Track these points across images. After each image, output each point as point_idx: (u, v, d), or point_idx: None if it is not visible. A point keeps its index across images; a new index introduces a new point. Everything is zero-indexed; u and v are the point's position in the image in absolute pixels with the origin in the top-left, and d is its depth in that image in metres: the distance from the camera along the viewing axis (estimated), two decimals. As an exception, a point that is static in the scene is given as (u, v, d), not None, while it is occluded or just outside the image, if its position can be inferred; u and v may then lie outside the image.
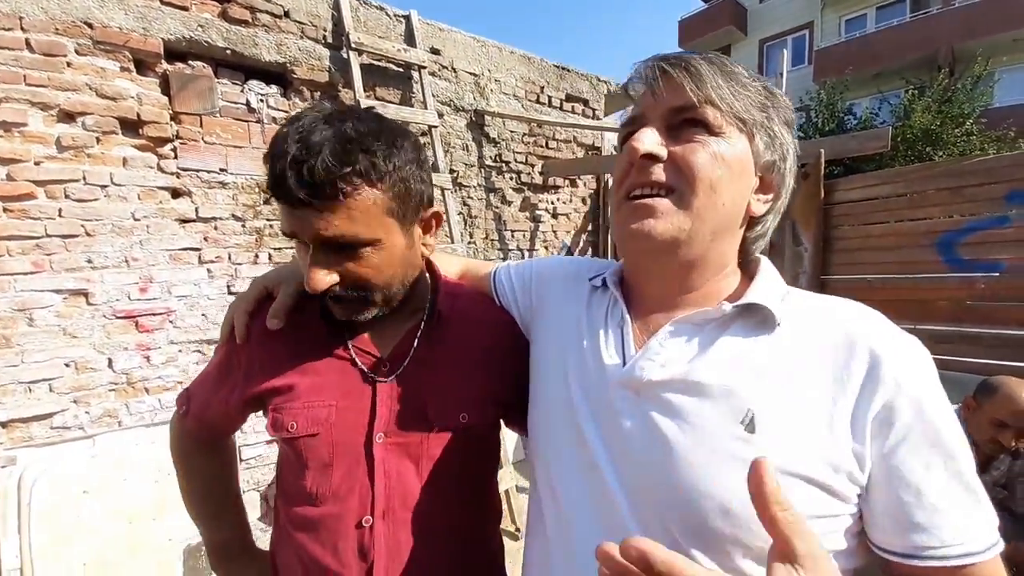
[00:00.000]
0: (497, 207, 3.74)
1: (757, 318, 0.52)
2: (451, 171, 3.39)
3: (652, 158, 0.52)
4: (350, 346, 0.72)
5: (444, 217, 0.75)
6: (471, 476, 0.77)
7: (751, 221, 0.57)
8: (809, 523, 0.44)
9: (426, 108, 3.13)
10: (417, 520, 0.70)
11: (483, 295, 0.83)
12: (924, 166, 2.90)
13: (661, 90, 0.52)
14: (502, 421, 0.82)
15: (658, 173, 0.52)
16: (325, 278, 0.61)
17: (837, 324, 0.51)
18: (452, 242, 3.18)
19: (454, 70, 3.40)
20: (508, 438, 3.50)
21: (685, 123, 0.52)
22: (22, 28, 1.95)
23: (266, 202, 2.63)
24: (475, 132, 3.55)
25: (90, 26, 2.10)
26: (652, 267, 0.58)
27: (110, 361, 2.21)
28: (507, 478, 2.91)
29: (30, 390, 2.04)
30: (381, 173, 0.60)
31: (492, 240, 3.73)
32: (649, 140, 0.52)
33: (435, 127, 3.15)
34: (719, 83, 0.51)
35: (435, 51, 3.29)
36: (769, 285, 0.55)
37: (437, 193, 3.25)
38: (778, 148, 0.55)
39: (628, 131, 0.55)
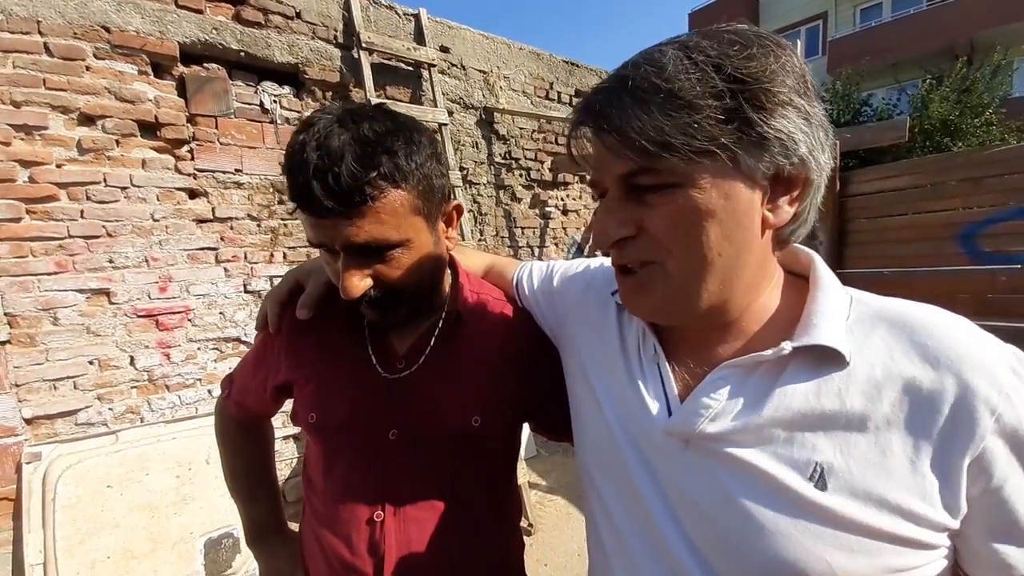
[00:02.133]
0: (507, 204, 3.75)
1: (820, 355, 0.45)
2: (461, 169, 3.40)
3: (624, 238, 0.47)
4: (368, 342, 0.72)
5: (463, 209, 0.75)
6: (485, 476, 0.75)
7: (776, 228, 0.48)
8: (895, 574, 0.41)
9: (436, 106, 3.15)
10: (429, 518, 0.70)
11: (507, 296, 0.81)
12: (943, 156, 2.84)
13: (599, 162, 0.47)
14: (527, 425, 0.81)
15: (634, 252, 0.47)
16: (360, 284, 0.61)
17: (919, 349, 0.43)
18: (463, 240, 3.19)
19: (463, 67, 3.41)
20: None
21: (646, 185, 0.45)
22: (40, 32, 2.00)
23: (280, 202, 2.66)
24: (485, 129, 3.55)
25: (107, 30, 2.14)
26: (666, 324, 0.54)
27: (132, 359, 2.27)
28: (519, 474, 2.92)
29: (55, 387, 2.09)
30: (405, 173, 0.59)
31: (502, 237, 3.73)
32: (613, 226, 0.47)
33: (445, 125, 3.16)
34: (658, 127, 0.41)
35: (444, 49, 3.30)
36: (829, 308, 0.46)
37: (448, 191, 3.26)
38: (776, 144, 0.43)
39: (596, 192, 0.51)
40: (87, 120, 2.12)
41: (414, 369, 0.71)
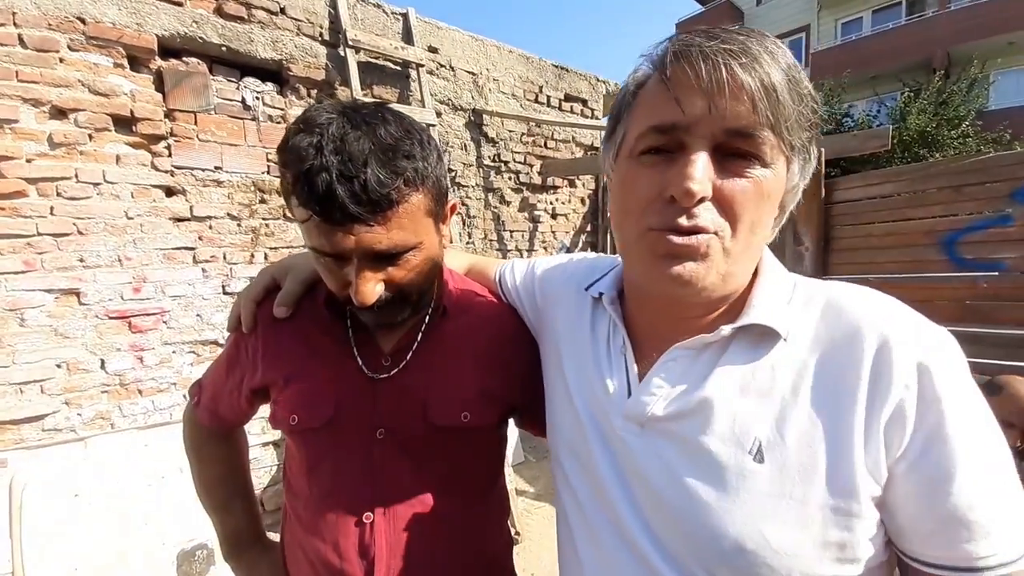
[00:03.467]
0: (496, 207, 3.72)
1: (759, 333, 0.47)
2: (450, 171, 3.36)
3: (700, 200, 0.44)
4: (352, 340, 0.70)
5: (457, 206, 0.73)
6: (474, 473, 0.75)
7: None
8: (829, 550, 0.42)
9: (424, 107, 3.11)
10: (419, 517, 0.69)
11: (489, 292, 0.81)
12: (925, 165, 2.90)
13: (724, 101, 0.41)
14: (512, 421, 0.80)
15: (706, 216, 0.43)
16: (375, 290, 0.59)
17: (845, 323, 0.45)
18: (450, 242, 3.15)
19: (452, 69, 3.38)
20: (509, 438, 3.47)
21: (735, 151, 0.43)
22: (15, 23, 1.92)
23: (262, 201, 2.59)
24: (473, 131, 3.53)
25: (83, 21, 2.07)
26: (677, 307, 0.51)
27: (103, 362, 2.17)
28: (507, 481, 2.88)
29: (21, 391, 2.00)
30: (424, 176, 0.58)
31: (491, 240, 3.70)
32: (704, 180, 0.42)
33: (433, 126, 3.12)
34: (789, 103, 0.42)
35: (433, 49, 3.27)
36: (772, 290, 0.49)
37: (435, 192, 3.22)
38: (808, 170, 0.47)
39: (660, 142, 0.44)
40: (59, 113, 2.04)
41: (401, 366, 0.70)
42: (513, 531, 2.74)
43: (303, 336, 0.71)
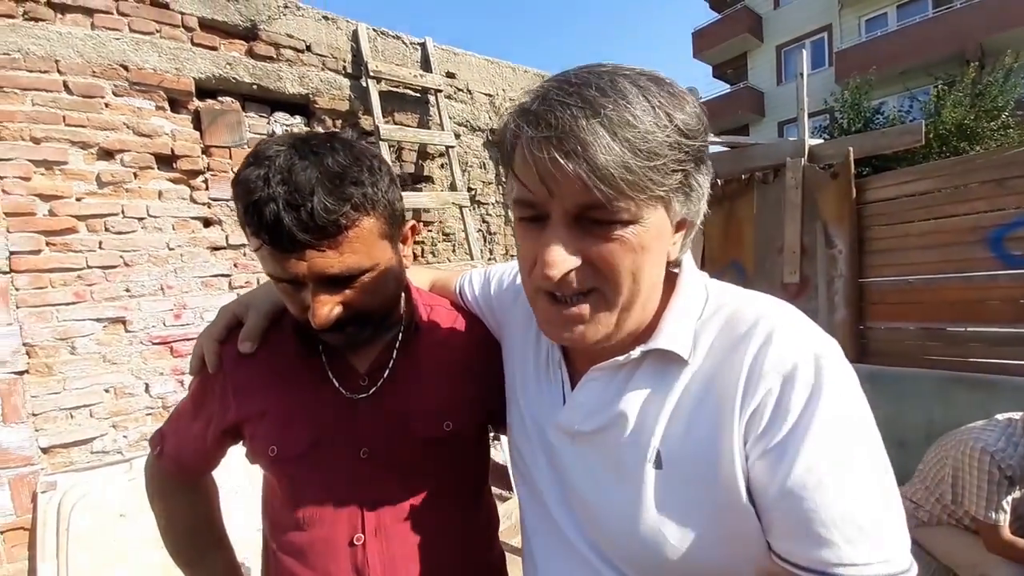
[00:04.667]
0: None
1: (664, 355, 0.51)
2: (469, 189, 3.42)
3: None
4: (326, 364, 0.71)
5: (418, 228, 0.74)
6: (461, 485, 0.76)
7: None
8: (725, 545, 0.46)
9: (443, 129, 3.19)
10: (411, 533, 0.69)
11: (455, 304, 0.83)
12: (964, 159, 2.76)
13: (560, 186, 0.42)
14: (491, 428, 0.80)
15: (581, 279, 0.46)
16: (332, 312, 0.60)
17: (736, 334, 0.48)
18: (472, 259, 3.19)
19: (469, 92, 3.47)
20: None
21: (593, 219, 0.44)
22: (58, 71, 2.09)
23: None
24: (492, 151, 3.59)
25: (126, 68, 2.23)
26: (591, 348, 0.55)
27: (147, 386, 2.28)
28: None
29: (71, 416, 2.11)
30: (373, 201, 0.60)
31: (511, 256, 3.73)
32: (561, 261, 0.44)
33: (452, 147, 3.20)
34: (629, 166, 0.40)
35: (450, 75, 3.37)
36: (681, 312, 0.51)
37: (456, 212, 3.28)
38: (695, 198, 0.48)
39: (528, 214, 0.47)
40: (106, 154, 2.20)
41: (379, 384, 0.70)
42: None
43: (273, 367, 0.71)
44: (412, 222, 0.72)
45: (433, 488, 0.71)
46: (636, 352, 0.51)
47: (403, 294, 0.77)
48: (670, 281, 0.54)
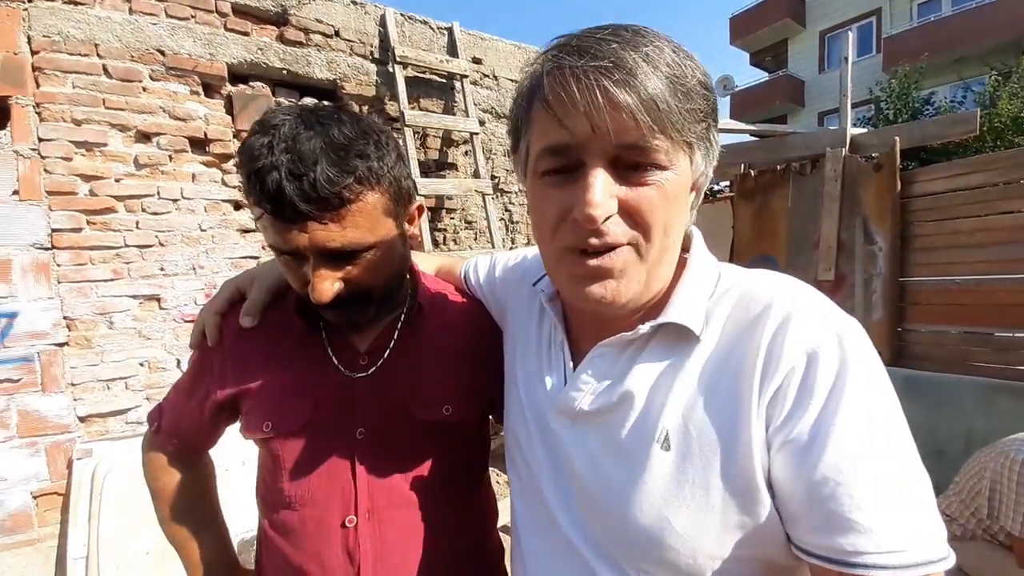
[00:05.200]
0: (540, 212, 3.71)
1: (676, 330, 0.48)
2: (492, 177, 3.40)
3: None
4: (326, 342, 0.70)
5: (424, 208, 0.72)
6: (459, 472, 0.74)
7: None
8: (731, 533, 0.44)
9: (468, 116, 3.17)
10: (404, 518, 0.67)
11: (460, 290, 0.82)
12: (1021, 151, 2.56)
13: (605, 121, 0.40)
14: (491, 417, 0.78)
15: (617, 230, 0.44)
16: (332, 288, 0.59)
17: (752, 311, 0.46)
18: (493, 247, 3.17)
19: (495, 78, 3.43)
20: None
21: (629, 163, 0.43)
22: (98, 55, 2.16)
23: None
24: (517, 138, 3.55)
25: (162, 53, 2.29)
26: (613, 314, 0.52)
27: (178, 361, 2.37)
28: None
29: (108, 387, 2.21)
30: (378, 176, 0.58)
31: (534, 244, 3.69)
32: (604, 202, 0.42)
33: (476, 134, 3.18)
34: (672, 105, 0.41)
35: (476, 60, 3.33)
36: (693, 286, 0.50)
37: (478, 199, 3.27)
38: (713, 155, 0.48)
39: (558, 163, 0.45)
40: (144, 137, 2.27)
41: (379, 365, 0.69)
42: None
43: (273, 343, 0.70)
44: (419, 202, 0.69)
45: (429, 474, 0.69)
46: (645, 327, 0.48)
47: (408, 275, 0.76)
48: (680, 261, 0.52)
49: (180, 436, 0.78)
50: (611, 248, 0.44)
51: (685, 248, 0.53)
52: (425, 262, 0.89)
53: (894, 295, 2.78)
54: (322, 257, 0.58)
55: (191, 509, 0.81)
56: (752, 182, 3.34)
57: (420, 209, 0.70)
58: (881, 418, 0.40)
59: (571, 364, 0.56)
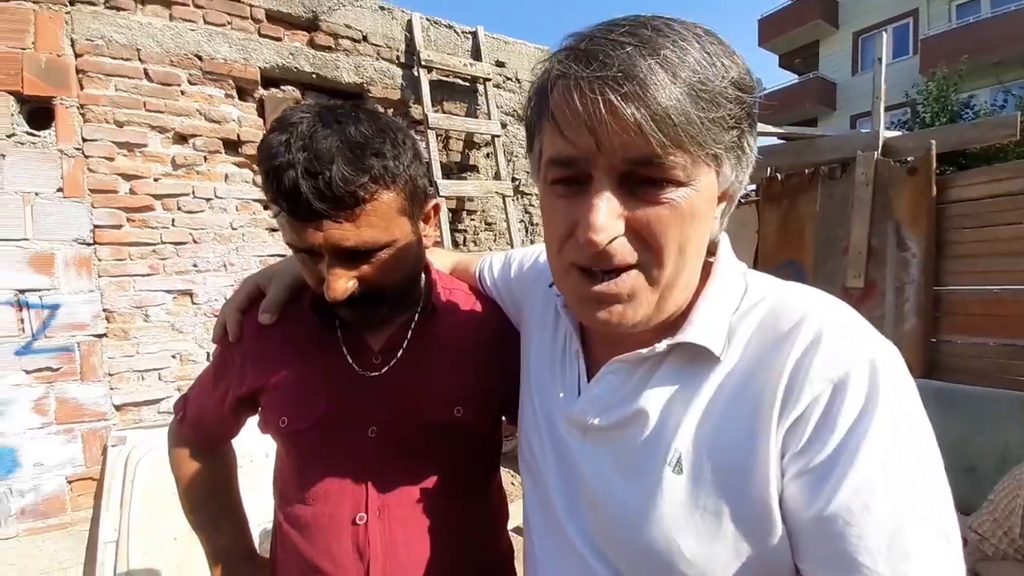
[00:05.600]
0: (561, 215, 3.71)
1: (695, 350, 0.45)
2: (513, 179, 3.42)
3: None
4: (341, 340, 0.70)
5: (441, 207, 0.72)
6: (468, 473, 0.74)
7: None
8: (742, 562, 0.41)
9: (490, 119, 3.20)
10: (414, 517, 0.68)
11: (475, 289, 0.81)
12: (1069, 156, 2.44)
13: (610, 136, 0.37)
14: (506, 419, 0.78)
15: (624, 252, 0.41)
16: (346, 286, 0.59)
17: (779, 331, 0.43)
18: (512, 248, 3.19)
19: (518, 81, 3.46)
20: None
21: (641, 179, 0.40)
22: (140, 59, 2.27)
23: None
24: (539, 141, 3.56)
25: (200, 58, 2.39)
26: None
27: (208, 355, 2.45)
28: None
29: (143, 378, 2.31)
30: (394, 175, 0.58)
31: (555, 248, 3.70)
32: (607, 226, 0.39)
33: (498, 136, 3.20)
34: (692, 117, 0.37)
35: (500, 63, 3.37)
36: (716, 302, 0.46)
37: (499, 201, 3.29)
38: (746, 163, 0.44)
39: (565, 174, 0.42)
40: (181, 139, 2.37)
41: (392, 364, 0.70)
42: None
43: (290, 340, 0.71)
44: (435, 201, 0.69)
45: (439, 474, 0.70)
46: (662, 345, 0.46)
47: (423, 274, 0.76)
48: (704, 269, 0.48)
49: (203, 427, 0.80)
50: (617, 271, 0.42)
51: (711, 252, 0.49)
52: (441, 259, 0.88)
53: (928, 304, 2.68)
54: (337, 256, 0.58)
55: (212, 497, 0.83)
56: (779, 186, 3.26)
57: (436, 208, 0.70)
58: (904, 455, 0.37)
59: (585, 375, 0.54)
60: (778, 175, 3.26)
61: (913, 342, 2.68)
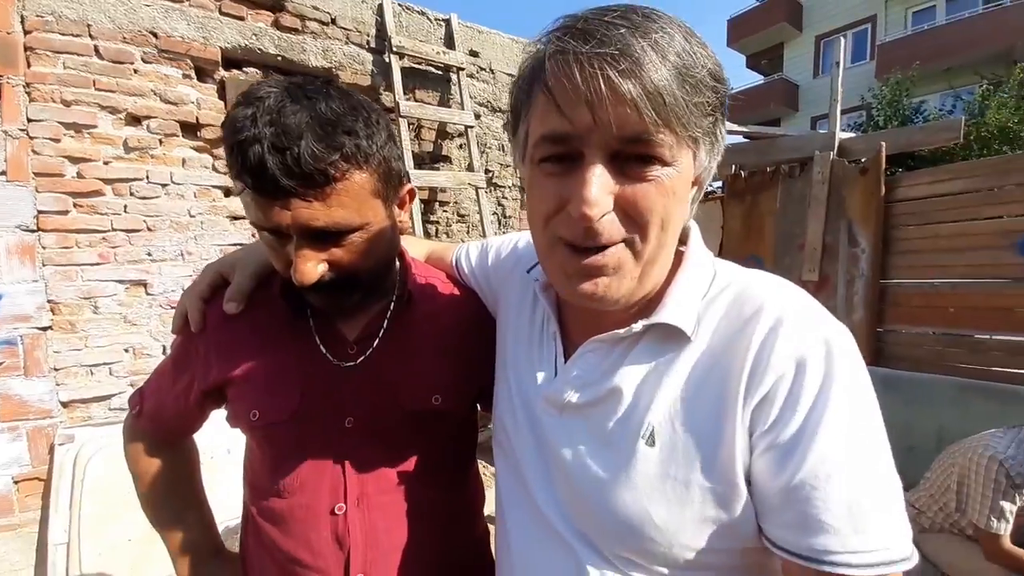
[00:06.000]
0: (533, 208, 3.73)
1: (668, 330, 0.48)
2: (486, 171, 3.41)
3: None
4: (314, 330, 0.68)
5: (416, 193, 0.71)
6: (446, 460, 0.74)
7: None
8: (707, 527, 0.45)
9: (463, 109, 3.17)
10: (393, 505, 0.67)
11: (451, 277, 0.81)
12: (1002, 159, 2.64)
13: (608, 112, 0.39)
14: (479, 405, 0.78)
15: (612, 228, 0.43)
16: (315, 269, 0.57)
17: (744, 314, 0.46)
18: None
19: (492, 71, 3.43)
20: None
21: (630, 157, 0.42)
22: (90, 35, 2.13)
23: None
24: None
25: (155, 35, 2.26)
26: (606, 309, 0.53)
27: (164, 348, 2.35)
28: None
29: (91, 373, 2.20)
30: (367, 155, 0.56)
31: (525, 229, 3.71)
32: (601, 200, 0.41)
33: (471, 127, 3.18)
34: (679, 98, 0.39)
35: (474, 53, 3.33)
36: (688, 286, 0.50)
37: (472, 193, 3.27)
38: (716, 150, 0.46)
39: (556, 151, 0.43)
40: (133, 120, 2.24)
41: (368, 353, 0.68)
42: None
43: (259, 330, 0.68)
44: (409, 185, 0.67)
45: (418, 462, 0.69)
46: (638, 326, 0.48)
47: (397, 262, 0.74)
48: (676, 256, 0.51)
49: (162, 421, 0.77)
50: (605, 246, 0.44)
51: (682, 241, 0.52)
52: (416, 247, 0.87)
53: (875, 296, 2.84)
54: (305, 237, 0.56)
55: (174, 492, 0.80)
56: (743, 183, 3.38)
57: (411, 193, 0.68)
58: (859, 428, 0.42)
59: (563, 356, 0.56)
60: (742, 172, 3.37)
61: (861, 332, 2.84)
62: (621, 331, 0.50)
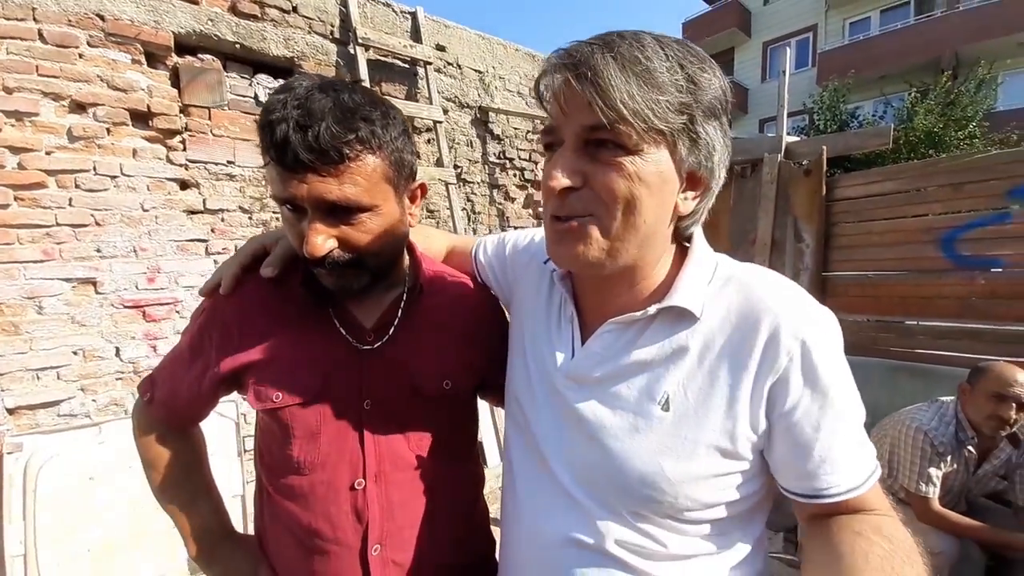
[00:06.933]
0: (500, 203, 3.76)
1: (679, 312, 0.57)
2: (455, 167, 3.41)
3: (569, 189, 0.52)
4: (334, 317, 0.73)
5: (428, 189, 0.76)
6: (456, 440, 0.80)
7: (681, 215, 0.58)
8: (710, 480, 0.55)
9: (431, 103, 3.16)
10: (408, 481, 0.73)
11: (461, 272, 0.87)
12: (926, 163, 2.91)
13: (569, 107, 0.50)
14: (479, 394, 0.85)
15: (577, 204, 0.52)
16: (325, 243, 0.62)
17: (749, 303, 0.55)
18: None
19: (459, 67, 3.43)
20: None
21: (600, 141, 0.50)
22: (35, 19, 1.98)
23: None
24: (479, 128, 3.57)
25: (102, 18, 2.13)
26: (584, 276, 0.64)
27: (117, 350, 2.24)
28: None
29: (38, 377, 2.06)
30: (380, 141, 0.62)
31: (497, 232, 3.75)
32: (563, 174, 0.51)
33: (440, 123, 3.17)
34: (632, 94, 0.47)
35: (440, 48, 3.32)
36: (694, 275, 0.58)
37: (441, 188, 3.27)
38: (703, 147, 0.53)
39: (548, 140, 0.55)
40: (79, 108, 2.11)
41: (385, 340, 0.73)
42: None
43: (281, 318, 0.72)
44: (422, 182, 0.73)
45: (430, 441, 0.75)
46: (652, 309, 0.57)
47: (408, 256, 0.80)
48: (684, 251, 0.61)
49: (175, 407, 0.78)
50: (571, 217, 0.53)
51: (688, 240, 0.62)
52: (438, 240, 0.93)
53: (817, 288, 3.08)
54: (319, 211, 0.61)
55: (186, 479, 0.82)
56: (699, 181, 3.55)
57: (423, 189, 0.73)
58: (849, 394, 0.54)
59: (580, 338, 0.64)
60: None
61: (807, 322, 3.07)
62: (636, 313, 0.58)
